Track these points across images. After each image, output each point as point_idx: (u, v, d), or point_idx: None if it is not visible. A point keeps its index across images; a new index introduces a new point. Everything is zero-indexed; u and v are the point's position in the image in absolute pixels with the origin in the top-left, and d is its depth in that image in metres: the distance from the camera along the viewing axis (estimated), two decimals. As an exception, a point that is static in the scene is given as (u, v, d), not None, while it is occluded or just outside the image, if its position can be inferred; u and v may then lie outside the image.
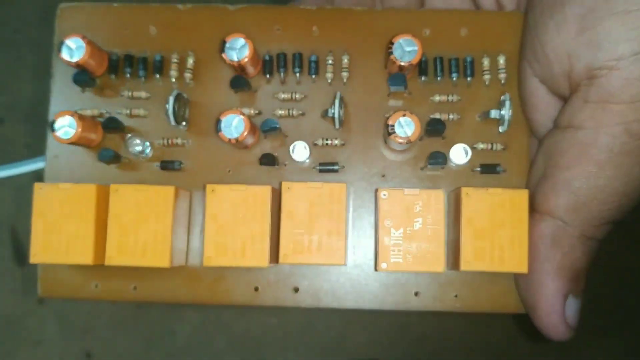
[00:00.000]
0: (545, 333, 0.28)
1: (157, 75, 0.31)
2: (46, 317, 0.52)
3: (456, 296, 0.30)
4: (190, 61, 0.31)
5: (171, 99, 0.29)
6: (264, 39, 0.31)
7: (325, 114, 0.30)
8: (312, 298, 0.30)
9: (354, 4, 0.34)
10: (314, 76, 0.31)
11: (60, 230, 0.28)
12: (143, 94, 0.31)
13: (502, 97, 0.29)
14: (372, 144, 0.31)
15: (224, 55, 0.29)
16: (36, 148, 0.53)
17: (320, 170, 0.30)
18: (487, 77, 0.30)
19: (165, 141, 0.30)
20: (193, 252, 0.30)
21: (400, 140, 0.28)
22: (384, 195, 0.28)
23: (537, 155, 0.29)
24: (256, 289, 0.30)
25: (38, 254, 0.28)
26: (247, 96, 0.31)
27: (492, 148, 0.30)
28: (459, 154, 0.30)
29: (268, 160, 0.30)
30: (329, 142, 0.30)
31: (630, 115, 0.25)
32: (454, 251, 0.28)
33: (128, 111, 0.31)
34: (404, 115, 0.28)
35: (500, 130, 0.30)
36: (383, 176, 0.31)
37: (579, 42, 0.26)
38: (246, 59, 0.29)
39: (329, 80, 0.31)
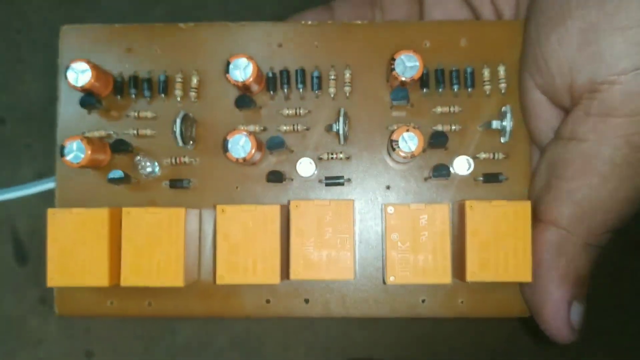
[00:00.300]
0: (551, 337, 0.29)
1: (162, 95, 0.31)
2: (47, 316, 0.52)
3: (462, 302, 0.31)
4: (194, 80, 0.31)
5: (178, 121, 0.29)
6: (266, 56, 0.31)
7: (329, 128, 0.31)
8: (323, 308, 0.31)
9: (354, 18, 0.34)
10: (317, 91, 0.31)
11: (75, 254, 0.29)
12: (149, 114, 0.31)
13: (503, 109, 0.30)
14: (376, 156, 0.31)
15: (228, 76, 0.29)
16: (37, 148, 0.53)
17: (327, 184, 0.31)
18: (487, 87, 0.31)
19: (173, 160, 0.31)
20: (205, 267, 0.31)
21: (404, 155, 0.28)
22: (391, 210, 0.29)
23: (540, 165, 0.29)
24: (268, 301, 0.31)
25: (55, 277, 0.29)
26: (252, 113, 0.31)
27: (494, 157, 0.31)
28: (462, 166, 0.30)
29: (275, 177, 0.30)
30: (334, 155, 0.31)
31: (631, 128, 0.26)
32: (459, 262, 0.29)
33: (135, 131, 0.31)
34: (407, 131, 0.28)
35: (502, 141, 0.30)
36: (388, 187, 0.31)
37: (581, 57, 0.26)
38: (250, 79, 0.29)
39: (332, 95, 0.31)
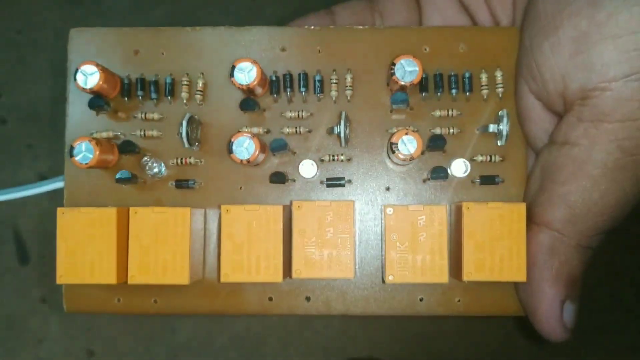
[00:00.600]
0: (545, 336, 0.30)
1: (169, 97, 0.32)
2: (48, 315, 0.53)
3: (459, 301, 0.32)
4: (200, 83, 0.32)
5: (184, 123, 0.30)
6: (270, 60, 0.32)
7: (331, 131, 0.32)
8: (323, 306, 0.32)
9: (355, 22, 0.35)
10: (319, 94, 0.32)
11: (83, 252, 0.29)
12: (156, 116, 0.32)
13: (500, 113, 0.31)
14: (376, 158, 0.32)
15: (233, 80, 0.30)
16: (37, 148, 0.53)
17: (328, 185, 0.32)
18: (485, 91, 0.32)
19: (178, 160, 0.32)
20: (209, 266, 0.32)
21: (403, 157, 0.29)
22: (390, 211, 0.30)
23: (534, 169, 0.30)
24: (270, 299, 0.32)
25: (64, 275, 0.29)
26: (255, 116, 0.32)
27: (490, 160, 0.32)
28: (459, 168, 0.31)
29: (278, 178, 0.31)
30: (335, 157, 0.32)
31: (622, 133, 0.26)
32: (456, 262, 0.30)
33: (142, 132, 0.32)
34: (406, 134, 0.29)
35: (499, 144, 0.31)
36: (387, 189, 0.32)
37: (573, 64, 0.27)
38: (254, 82, 0.30)
39: (334, 98, 0.32)
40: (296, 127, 0.32)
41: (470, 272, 0.29)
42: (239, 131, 0.31)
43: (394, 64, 0.30)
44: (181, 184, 0.32)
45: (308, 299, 0.32)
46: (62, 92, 0.53)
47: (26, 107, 0.54)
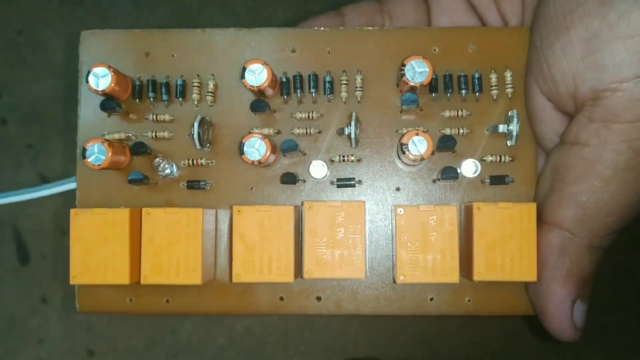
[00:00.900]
0: (555, 336, 0.30)
1: (180, 99, 0.32)
2: (49, 315, 0.53)
3: (469, 300, 0.32)
4: (210, 84, 0.32)
5: (196, 125, 0.30)
6: (280, 61, 0.33)
7: (341, 132, 0.32)
8: (334, 306, 0.32)
9: (364, 24, 0.35)
10: (329, 96, 0.32)
11: (96, 253, 0.30)
12: (167, 117, 0.32)
13: (510, 113, 0.31)
14: (386, 159, 0.32)
15: (244, 82, 0.30)
16: (38, 149, 0.54)
17: (338, 186, 0.32)
18: (494, 92, 0.32)
19: (190, 162, 0.32)
20: (220, 266, 0.32)
21: (414, 158, 0.29)
22: (401, 211, 0.30)
23: (545, 169, 0.30)
24: (281, 298, 0.32)
25: (77, 275, 0.30)
26: (266, 117, 0.32)
27: (500, 160, 0.32)
28: (469, 168, 0.31)
29: (289, 179, 0.32)
30: (346, 158, 0.32)
31: (633, 134, 0.27)
32: (466, 262, 0.30)
33: (153, 134, 0.32)
34: (417, 134, 0.29)
35: (509, 144, 0.31)
36: (398, 189, 0.32)
37: (584, 65, 0.27)
38: (265, 84, 0.30)
39: (344, 99, 0.32)
40: (306, 128, 0.32)
41: (481, 272, 0.29)
42: (250, 132, 0.31)
43: (404, 65, 0.30)
44: (192, 184, 0.32)
45: (319, 298, 0.32)
46: (62, 92, 0.54)
47: (26, 107, 0.54)
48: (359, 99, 0.32)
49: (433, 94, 0.32)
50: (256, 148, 0.30)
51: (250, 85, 0.30)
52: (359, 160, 0.32)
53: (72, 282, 0.30)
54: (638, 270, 0.52)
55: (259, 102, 0.31)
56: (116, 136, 0.32)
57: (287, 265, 0.29)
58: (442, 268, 0.29)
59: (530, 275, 0.29)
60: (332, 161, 0.32)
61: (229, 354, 0.53)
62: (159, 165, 0.31)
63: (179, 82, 0.32)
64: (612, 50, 0.26)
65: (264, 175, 0.32)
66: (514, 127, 0.31)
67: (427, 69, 0.30)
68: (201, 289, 0.32)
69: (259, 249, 0.30)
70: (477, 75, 0.32)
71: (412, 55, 0.30)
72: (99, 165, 0.30)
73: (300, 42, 0.33)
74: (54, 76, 0.54)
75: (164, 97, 0.32)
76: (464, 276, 0.31)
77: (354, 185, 0.32)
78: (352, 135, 0.31)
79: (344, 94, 0.32)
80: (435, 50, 0.33)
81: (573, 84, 0.28)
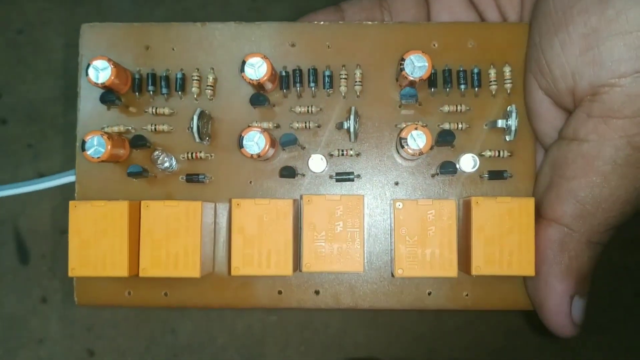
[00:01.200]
0: (553, 331, 0.30)
1: (179, 92, 0.32)
2: (49, 315, 0.53)
3: (467, 295, 0.32)
4: (210, 78, 0.32)
5: (195, 118, 0.30)
6: (279, 55, 0.33)
7: (340, 126, 0.32)
8: (332, 300, 0.32)
9: (363, 19, 0.35)
10: (328, 90, 0.32)
11: (95, 245, 0.30)
12: (166, 111, 0.32)
13: (509, 108, 0.31)
14: (385, 153, 0.32)
15: (243, 75, 0.30)
16: (38, 148, 0.54)
17: (337, 180, 0.32)
18: (493, 87, 0.32)
19: (189, 155, 0.32)
20: (219, 259, 0.32)
21: (413, 152, 0.29)
22: (399, 205, 0.30)
23: (543, 165, 0.30)
24: (280, 292, 0.32)
25: (76, 268, 0.30)
26: (265, 111, 0.32)
27: (499, 155, 0.32)
28: (468, 163, 0.31)
29: (288, 172, 0.32)
30: (344, 152, 0.32)
31: (632, 129, 0.27)
32: (464, 256, 0.30)
33: (153, 127, 0.32)
34: (416, 129, 0.29)
35: (507, 139, 0.31)
36: (396, 183, 0.32)
37: (583, 61, 0.27)
38: (264, 78, 0.30)
39: (343, 94, 0.32)
40: (305, 122, 0.32)
41: (479, 267, 0.29)
42: (249, 126, 0.31)
43: (403, 60, 0.30)
44: (192, 178, 0.32)
45: (317, 292, 0.32)
46: (62, 91, 0.54)
47: (26, 107, 0.54)
48: (358, 93, 0.32)
49: (432, 89, 0.32)
50: (255, 142, 0.30)
51: (250, 79, 0.30)
52: (357, 155, 0.32)
53: (70, 274, 0.30)
54: (637, 270, 0.52)
55: (259, 96, 0.31)
56: (116, 129, 0.32)
57: (286, 259, 0.30)
58: (441, 262, 0.29)
59: (529, 270, 0.29)
60: (331, 155, 0.32)
61: (229, 354, 0.53)
62: (158, 157, 0.31)
63: (179, 75, 0.32)
64: (610, 46, 0.26)
65: (263, 169, 0.32)
66: (512, 122, 0.31)
67: (427, 64, 0.30)
68: (199, 282, 0.32)
69: (258, 242, 0.30)
70: (476, 71, 0.32)
71: (411, 50, 0.30)
72: (98, 157, 0.30)
73: (299, 37, 0.33)
74: (54, 76, 0.54)
75: (164, 90, 0.32)
76: (462, 271, 0.31)
77: (352, 180, 0.32)
78: (351, 130, 0.31)
79: (343, 89, 0.32)
80: (434, 45, 0.33)
81: (572, 80, 0.28)
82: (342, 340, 0.53)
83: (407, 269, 0.30)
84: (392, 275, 0.31)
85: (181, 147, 0.32)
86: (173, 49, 0.33)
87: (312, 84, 0.32)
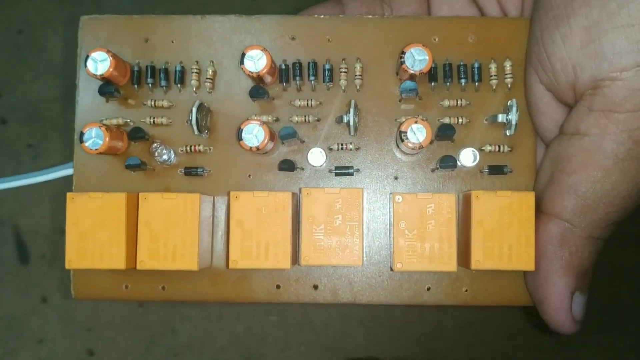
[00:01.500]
0: (553, 327, 0.30)
1: (178, 85, 0.32)
2: (49, 315, 0.53)
3: (466, 290, 0.32)
4: (209, 70, 0.32)
5: (194, 110, 0.30)
6: (279, 48, 0.32)
7: (340, 119, 0.32)
8: (331, 294, 0.32)
9: (364, 13, 0.35)
10: (328, 83, 0.32)
11: (93, 238, 0.29)
12: (165, 103, 0.32)
13: (509, 103, 0.31)
14: (385, 147, 0.32)
15: (243, 67, 0.30)
16: (38, 148, 0.54)
17: (337, 174, 0.32)
18: (494, 81, 0.32)
19: (188, 148, 0.32)
20: (217, 253, 0.32)
21: (412, 146, 0.29)
22: (399, 199, 0.30)
23: (544, 159, 0.30)
24: (278, 286, 0.32)
25: (73, 260, 0.29)
26: (265, 104, 0.32)
27: (499, 150, 0.32)
28: (468, 158, 0.31)
29: (287, 166, 0.31)
30: (344, 146, 0.32)
31: (634, 123, 0.26)
32: (464, 250, 0.30)
33: (151, 120, 0.32)
34: (416, 122, 0.29)
35: (507, 134, 0.31)
36: (396, 178, 0.32)
37: (584, 54, 0.27)
38: (264, 70, 0.30)
39: (343, 87, 0.32)
40: (305, 116, 0.32)
41: (479, 261, 0.29)
42: (248, 119, 0.31)
43: (403, 53, 0.30)
44: (190, 171, 0.32)
45: (316, 287, 0.32)
46: (62, 91, 0.54)
47: (26, 107, 0.54)
48: (358, 87, 0.32)
49: (432, 83, 0.32)
50: (254, 134, 0.30)
51: (249, 71, 0.30)
52: (357, 149, 0.32)
53: (67, 266, 0.29)
54: (638, 270, 0.52)
55: (258, 89, 0.31)
56: (114, 121, 0.32)
57: (285, 252, 0.29)
58: (440, 256, 0.29)
59: (529, 265, 0.29)
60: (331, 149, 0.32)
61: (229, 354, 0.53)
62: (157, 150, 0.31)
63: (178, 68, 0.32)
64: (612, 39, 0.26)
65: (262, 163, 0.32)
66: (513, 117, 0.31)
67: (427, 57, 0.30)
68: (197, 276, 0.32)
69: (256, 235, 0.29)
70: (476, 65, 0.32)
71: (412, 43, 0.30)
72: (96, 149, 0.30)
73: (300, 30, 0.33)
74: (54, 76, 0.54)
75: (163, 83, 0.32)
76: (461, 265, 0.31)
77: (352, 174, 0.32)
78: (351, 123, 0.31)
79: (343, 82, 0.32)
80: (435, 39, 0.32)
81: (573, 74, 0.28)
82: (342, 340, 0.53)
83: (406, 263, 0.29)
84: (391, 270, 0.31)
85: (180, 140, 0.32)
86: (172, 42, 0.33)
87: (311, 78, 0.32)
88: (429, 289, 0.32)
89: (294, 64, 0.32)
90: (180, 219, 0.29)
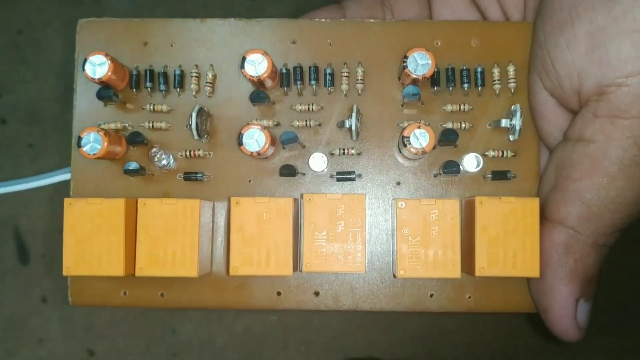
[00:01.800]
0: (557, 335, 0.29)
1: (178, 89, 0.32)
2: (49, 315, 0.53)
3: (469, 297, 0.31)
4: (209, 74, 0.32)
5: (194, 114, 0.30)
6: (280, 52, 0.32)
7: (341, 124, 0.31)
8: (333, 301, 0.32)
9: (366, 17, 0.34)
10: (329, 88, 0.32)
11: (91, 244, 0.29)
12: (164, 108, 0.32)
13: (513, 107, 0.30)
14: (387, 152, 0.32)
15: (243, 71, 0.29)
16: (38, 148, 0.53)
17: (338, 179, 0.32)
18: (497, 86, 0.31)
19: (187, 153, 0.31)
20: (217, 259, 0.32)
21: (415, 151, 0.29)
22: (402, 205, 0.29)
23: (548, 166, 0.30)
24: (279, 293, 0.32)
25: (71, 267, 0.29)
26: (265, 108, 0.32)
27: (502, 155, 0.31)
28: (471, 163, 0.31)
29: (288, 171, 0.31)
30: (346, 151, 0.32)
31: (639, 130, 0.26)
32: (468, 257, 0.30)
33: (150, 124, 0.32)
34: (418, 127, 0.29)
35: (511, 139, 0.31)
36: (398, 183, 0.32)
37: (589, 60, 0.27)
38: (265, 75, 0.30)
39: (344, 92, 0.32)
40: (306, 121, 0.32)
41: (483, 267, 0.29)
42: (249, 123, 0.31)
43: (406, 57, 0.30)
44: (190, 176, 0.31)
45: (317, 294, 0.32)
46: (62, 91, 0.53)
47: (26, 107, 0.54)
48: (359, 91, 0.32)
49: (435, 88, 0.32)
50: (255, 139, 0.29)
51: (250, 76, 0.30)
52: (359, 154, 0.32)
53: (65, 273, 0.29)
54: (638, 270, 0.52)
55: (259, 93, 0.31)
56: (112, 126, 0.32)
57: (286, 259, 0.29)
58: (444, 263, 0.29)
59: (533, 271, 0.29)
60: (332, 154, 0.32)
61: (229, 354, 0.53)
62: (156, 155, 0.31)
63: (177, 72, 0.32)
64: (617, 45, 0.26)
65: (263, 168, 0.32)
66: (516, 122, 0.30)
67: (430, 61, 0.29)
68: (197, 283, 0.31)
69: (257, 242, 0.29)
70: (479, 70, 0.32)
71: (414, 47, 0.30)
72: (94, 154, 0.29)
73: (300, 34, 0.32)
74: (54, 76, 0.54)
75: (162, 87, 0.32)
76: (465, 272, 0.30)
77: (354, 179, 0.32)
78: (353, 128, 0.30)
79: (344, 87, 0.32)
80: (437, 43, 0.32)
81: (577, 79, 0.27)
82: (342, 340, 0.53)
83: (409, 270, 0.29)
84: (394, 276, 0.31)
85: (179, 145, 0.32)
86: (172, 45, 0.32)
87: (313, 82, 0.32)
88: (431, 295, 0.31)
89: (295, 68, 0.32)
90: (180, 224, 0.29)
